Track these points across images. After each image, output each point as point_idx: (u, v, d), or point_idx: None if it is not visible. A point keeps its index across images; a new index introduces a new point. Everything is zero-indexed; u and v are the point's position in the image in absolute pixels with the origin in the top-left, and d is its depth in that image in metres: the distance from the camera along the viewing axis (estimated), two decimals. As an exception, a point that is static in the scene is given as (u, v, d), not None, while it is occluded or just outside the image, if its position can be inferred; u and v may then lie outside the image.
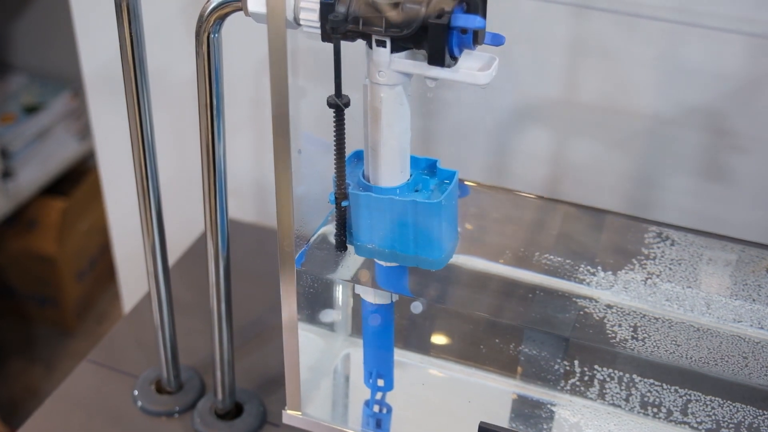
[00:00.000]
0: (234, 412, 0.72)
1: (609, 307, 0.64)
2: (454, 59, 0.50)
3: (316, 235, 0.64)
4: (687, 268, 0.67)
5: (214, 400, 0.72)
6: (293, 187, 0.54)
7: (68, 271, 1.65)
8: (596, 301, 0.65)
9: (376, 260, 0.60)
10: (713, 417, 0.62)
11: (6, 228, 1.62)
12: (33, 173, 1.60)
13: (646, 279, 0.66)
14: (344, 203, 0.57)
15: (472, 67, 0.51)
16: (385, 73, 0.52)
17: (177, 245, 0.92)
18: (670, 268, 0.67)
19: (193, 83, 0.59)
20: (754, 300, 0.64)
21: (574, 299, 0.65)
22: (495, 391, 0.68)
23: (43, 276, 1.64)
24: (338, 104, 0.53)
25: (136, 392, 0.74)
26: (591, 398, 0.65)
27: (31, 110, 1.61)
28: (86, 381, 0.76)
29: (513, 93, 0.79)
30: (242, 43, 0.82)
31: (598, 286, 0.65)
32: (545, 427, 0.66)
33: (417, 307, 0.66)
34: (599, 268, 0.67)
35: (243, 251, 0.85)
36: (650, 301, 0.64)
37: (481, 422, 0.62)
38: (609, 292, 0.65)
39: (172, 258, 0.89)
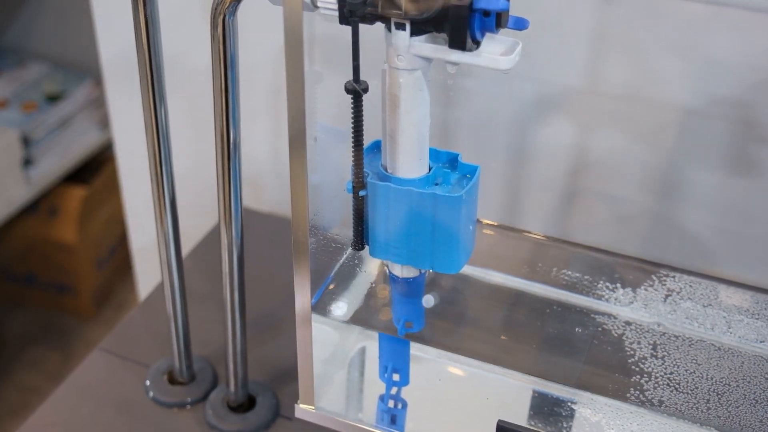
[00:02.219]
0: (247, 404, 0.71)
1: (628, 324, 0.63)
2: (476, 43, 0.49)
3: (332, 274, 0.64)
4: (707, 286, 0.66)
5: (226, 392, 0.71)
6: (309, 175, 0.53)
7: (88, 259, 1.65)
8: (615, 318, 0.63)
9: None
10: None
11: (27, 216, 1.62)
12: (54, 161, 1.59)
13: (666, 296, 0.64)
14: (362, 192, 0.56)
15: (494, 51, 0.49)
16: (405, 58, 0.51)
17: (194, 235, 0.91)
18: (691, 286, 0.65)
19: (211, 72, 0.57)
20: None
21: (592, 315, 0.63)
22: (514, 388, 0.67)
23: (63, 264, 1.64)
24: (356, 90, 0.51)
25: (148, 382, 0.73)
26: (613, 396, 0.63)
27: (54, 99, 1.61)
28: (98, 369, 0.75)
29: (534, 82, 0.77)
30: (262, 32, 0.81)
31: (617, 303, 0.64)
32: (565, 425, 0.64)
33: (429, 301, 0.64)
34: (618, 284, 0.65)
35: (259, 241, 0.84)
36: (670, 318, 0.63)
37: (500, 420, 0.60)
38: (628, 309, 0.64)
39: (189, 247, 0.88)
